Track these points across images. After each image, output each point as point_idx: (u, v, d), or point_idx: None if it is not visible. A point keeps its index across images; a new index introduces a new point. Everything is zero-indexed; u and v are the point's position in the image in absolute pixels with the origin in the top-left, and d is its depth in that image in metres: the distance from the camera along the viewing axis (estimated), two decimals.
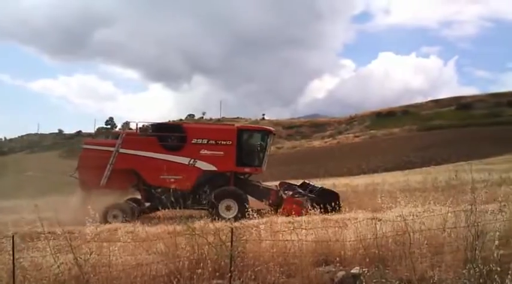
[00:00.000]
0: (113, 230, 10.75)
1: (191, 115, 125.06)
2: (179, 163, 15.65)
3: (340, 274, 6.04)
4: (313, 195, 14.93)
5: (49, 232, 6.89)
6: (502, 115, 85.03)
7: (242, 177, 16.59)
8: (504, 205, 7.13)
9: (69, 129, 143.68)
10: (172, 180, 14.98)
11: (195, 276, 5.84)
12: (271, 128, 18.60)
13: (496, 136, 63.39)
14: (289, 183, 18.68)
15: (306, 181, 18.64)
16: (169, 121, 16.62)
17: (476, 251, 5.45)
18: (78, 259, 5.92)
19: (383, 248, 6.43)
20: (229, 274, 5.72)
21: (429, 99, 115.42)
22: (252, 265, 6.07)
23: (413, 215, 7.17)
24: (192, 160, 15.70)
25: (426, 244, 6.09)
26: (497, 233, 5.54)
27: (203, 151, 15.75)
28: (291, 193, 15.79)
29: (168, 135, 16.23)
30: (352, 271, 6.03)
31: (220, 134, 16.34)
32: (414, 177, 25.60)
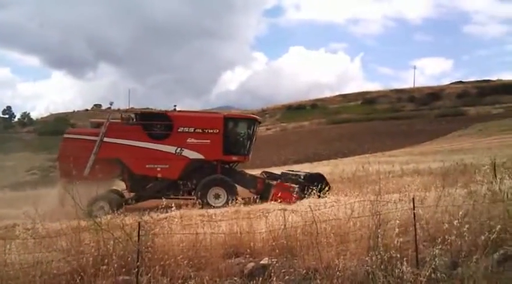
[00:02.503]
0: (11, 227, 10.02)
1: (98, 105, 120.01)
2: (165, 152, 15.37)
3: (250, 265, 6.06)
4: (302, 180, 15.13)
5: None
6: (403, 110, 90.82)
7: (227, 165, 16.39)
8: (404, 195, 7.56)
9: None
10: (158, 169, 15.14)
11: (100, 273, 5.58)
12: (256, 116, 18.55)
13: (398, 130, 67.60)
14: (271, 172, 18.72)
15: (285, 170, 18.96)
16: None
17: (378, 239, 5.71)
18: None
19: (292, 238, 6.56)
20: (136, 270, 5.52)
21: (337, 93, 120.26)
22: (160, 259, 5.92)
23: (321, 205, 7.40)
24: (179, 148, 15.43)
25: (332, 233, 6.29)
26: (397, 221, 5.84)
27: (190, 140, 15.51)
28: (279, 180, 15.84)
29: (154, 123, 15.89)
30: (261, 262, 6.07)
31: (207, 122, 16.08)
32: (322, 168, 26.46)
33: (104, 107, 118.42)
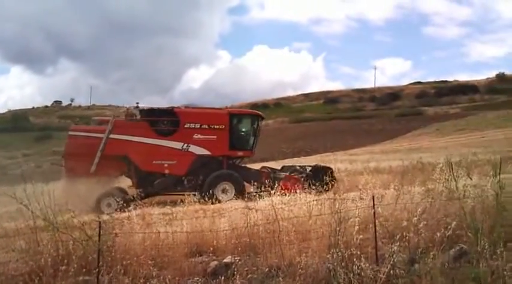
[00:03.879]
0: None
1: (58, 102, 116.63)
2: (172, 148, 15.37)
3: (213, 263, 6.07)
4: (309, 172, 15.36)
5: None
6: (364, 109, 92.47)
7: (231, 161, 16.40)
8: (364, 192, 7.71)
9: None
10: (166, 165, 15.18)
11: (59, 273, 5.47)
12: (260, 112, 18.60)
13: (359, 129, 68.78)
14: (271, 167, 18.71)
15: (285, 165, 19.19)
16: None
17: (339, 237, 5.81)
18: None
19: (254, 236, 6.60)
20: (97, 270, 5.44)
21: (299, 92, 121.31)
22: (122, 259, 5.84)
23: (282, 203, 7.47)
24: (186, 144, 15.44)
25: (294, 231, 6.36)
26: (358, 219, 5.96)
27: (196, 136, 15.53)
28: (286, 173, 16.06)
29: (160, 119, 15.77)
30: (224, 260, 6.09)
31: (213, 118, 16.11)
32: None
33: (64, 104, 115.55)
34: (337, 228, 5.87)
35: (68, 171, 14.70)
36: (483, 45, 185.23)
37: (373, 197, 6.26)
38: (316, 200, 7.10)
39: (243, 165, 17.07)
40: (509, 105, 74.13)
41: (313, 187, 10.82)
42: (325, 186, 12.39)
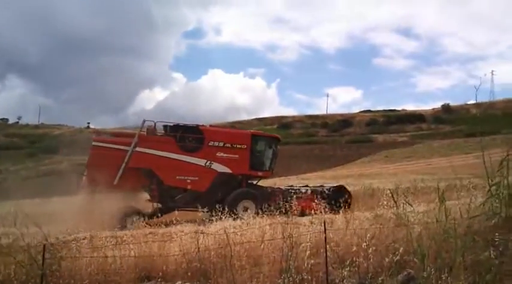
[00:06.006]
0: None
1: (4, 119, 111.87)
2: (196, 164, 15.62)
3: None
4: (328, 192, 15.72)
5: None
6: (316, 135, 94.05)
7: (249, 180, 16.63)
8: (315, 217, 7.79)
9: None
10: (188, 180, 15.40)
11: None
12: (278, 136, 19.33)
13: (311, 154, 69.83)
14: (291, 186, 19.37)
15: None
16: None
17: (290, 262, 5.81)
18: None
19: (206, 261, 6.49)
20: None
21: (254, 117, 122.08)
22: None
23: (234, 228, 7.41)
24: (209, 162, 15.70)
25: (246, 256, 6.32)
26: (309, 244, 5.99)
27: (219, 154, 15.85)
28: (307, 192, 16.42)
29: (186, 136, 16.03)
30: None
31: (236, 138, 16.72)
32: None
33: (11, 121, 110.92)
34: (289, 253, 5.88)
35: (90, 182, 14.55)
36: (429, 76, 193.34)
37: (324, 222, 6.31)
38: (269, 224, 7.09)
39: (258, 185, 17.37)
40: (453, 134, 77.56)
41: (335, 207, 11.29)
42: (342, 207, 12.87)
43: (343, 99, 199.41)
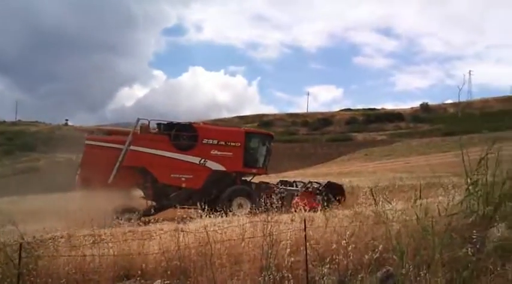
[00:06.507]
0: None
1: None
2: (190, 162, 15.65)
3: None
4: (322, 189, 15.74)
5: None
6: (296, 133, 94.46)
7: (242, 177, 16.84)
8: (295, 215, 7.81)
9: None
10: (183, 178, 15.43)
11: None
12: (272, 133, 19.45)
13: (292, 153, 70.05)
14: (286, 180, 19.22)
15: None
16: None
17: (271, 259, 5.82)
18: None
19: (186, 259, 6.45)
20: None
21: (235, 115, 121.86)
22: (44, 283, 5.53)
23: (215, 226, 7.39)
24: (203, 159, 15.75)
25: (226, 254, 6.30)
26: (289, 242, 6.01)
27: (213, 152, 15.90)
28: (303, 189, 16.27)
29: (180, 134, 16.02)
30: None
31: (229, 135, 16.87)
32: None
33: None
34: (269, 251, 5.89)
35: (83, 181, 14.55)
36: (408, 75, 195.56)
37: (305, 220, 6.33)
38: (249, 222, 7.08)
39: (251, 181, 17.36)
40: (432, 133, 78.71)
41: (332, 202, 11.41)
42: (336, 202, 13.06)
43: (323, 98, 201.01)
